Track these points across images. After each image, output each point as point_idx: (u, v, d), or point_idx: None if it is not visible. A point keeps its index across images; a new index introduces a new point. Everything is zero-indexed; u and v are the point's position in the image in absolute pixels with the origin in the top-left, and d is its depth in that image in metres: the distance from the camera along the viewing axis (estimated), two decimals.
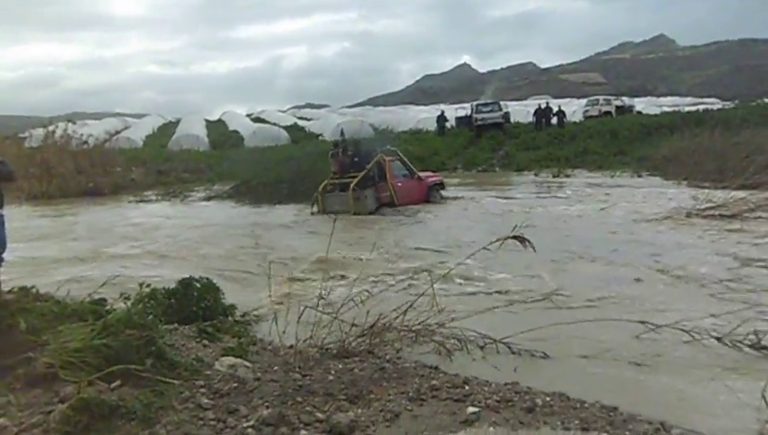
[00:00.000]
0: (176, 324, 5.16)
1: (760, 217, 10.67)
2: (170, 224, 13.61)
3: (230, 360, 4.36)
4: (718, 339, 5.14)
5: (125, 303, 4.52)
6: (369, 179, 14.39)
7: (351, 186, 14.07)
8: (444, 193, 16.28)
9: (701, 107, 36.13)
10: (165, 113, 60.16)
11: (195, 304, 5.64)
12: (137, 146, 34.59)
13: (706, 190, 13.45)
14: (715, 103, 44.79)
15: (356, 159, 14.77)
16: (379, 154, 14.91)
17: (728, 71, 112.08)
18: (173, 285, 5.73)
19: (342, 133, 19.04)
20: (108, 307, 4.67)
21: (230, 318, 5.92)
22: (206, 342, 4.86)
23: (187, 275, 5.95)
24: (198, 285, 5.81)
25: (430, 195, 15.62)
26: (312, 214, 14.31)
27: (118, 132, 40.61)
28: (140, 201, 18.50)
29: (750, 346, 4.98)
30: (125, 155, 26.89)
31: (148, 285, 5.40)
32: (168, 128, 46.00)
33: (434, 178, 16.40)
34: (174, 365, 3.92)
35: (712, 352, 5.03)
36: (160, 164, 25.91)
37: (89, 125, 39.39)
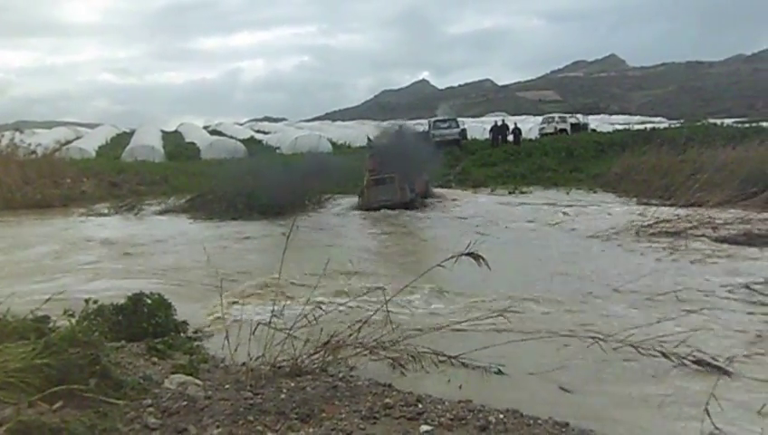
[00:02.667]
0: (123, 342, 5.02)
1: (703, 235, 11.06)
2: (122, 238, 13.27)
3: (180, 377, 4.26)
4: (664, 354, 5.28)
5: (69, 320, 4.36)
6: (404, 175, 17.66)
7: (397, 180, 17.35)
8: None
9: (649, 125, 37.28)
10: (119, 123, 58.65)
11: (145, 320, 5.51)
12: (89, 156, 33.58)
13: (654, 207, 13.86)
14: (662, 122, 46.30)
15: (390, 160, 18.04)
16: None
17: (674, 91, 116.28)
18: (122, 301, 5.59)
19: (370, 140, 24.23)
20: (51, 325, 4.51)
21: (182, 335, 5.80)
22: (155, 359, 4.74)
23: (138, 291, 5.82)
24: (149, 301, 5.68)
25: (428, 187, 19.51)
26: (359, 207, 17.46)
27: (69, 142, 39.42)
28: (91, 214, 17.97)
29: (693, 362, 5.14)
30: (76, 166, 26.01)
31: (95, 302, 5.24)
32: (123, 138, 44.91)
33: (425, 176, 19.85)
34: (120, 384, 3.80)
35: (658, 367, 5.18)
36: (113, 176, 25.14)
37: (38, 134, 38.13)
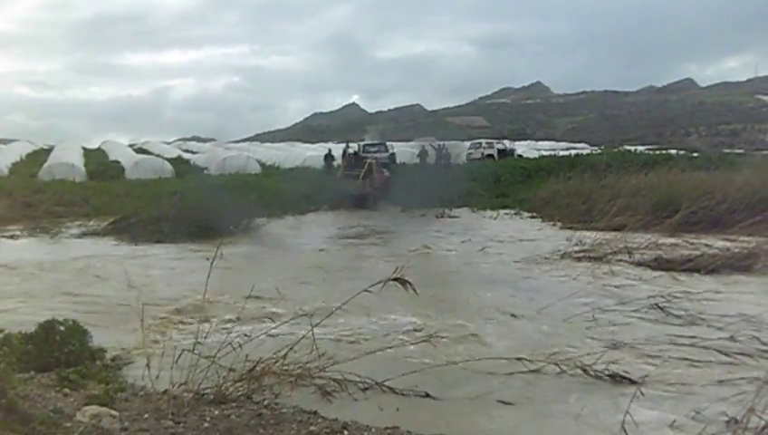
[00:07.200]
0: (32, 373, 4.75)
1: (621, 260, 11.62)
2: (35, 261, 12.59)
3: (94, 409, 4.08)
4: (584, 371, 5.50)
5: None
6: (368, 172, 23.24)
7: (361, 176, 23.20)
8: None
9: (573, 151, 38.75)
10: (36, 139, 56.00)
11: (57, 348, 5.23)
12: (1, 175, 31.91)
13: (577, 232, 14.39)
14: (584, 148, 48.24)
15: (358, 159, 25.55)
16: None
17: (594, 118, 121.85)
18: (32, 329, 5.29)
19: (348, 144, 30.34)
20: None
21: (98, 363, 5.54)
22: (66, 390, 4.51)
23: (51, 318, 5.53)
24: (62, 328, 5.40)
25: (386, 182, 23.62)
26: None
27: None
28: (1, 237, 16.95)
29: (611, 378, 5.37)
30: None
31: (2, 331, 4.95)
32: (40, 155, 42.73)
33: (387, 173, 24.66)
34: (28, 419, 3.60)
35: (579, 384, 5.38)
36: (28, 195, 23.86)
37: None
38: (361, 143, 33.77)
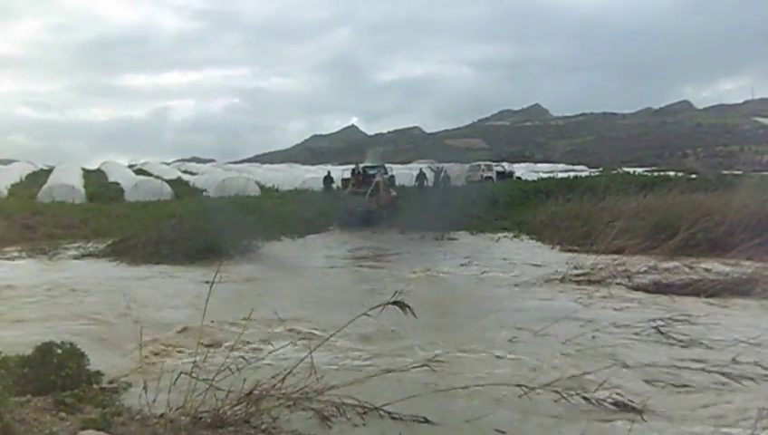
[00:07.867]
0: (29, 396, 4.71)
1: (620, 284, 11.60)
2: (33, 283, 12.54)
3: (90, 433, 4.04)
4: (585, 398, 5.44)
5: None
6: (375, 190, 24.28)
7: (368, 193, 23.98)
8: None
9: (572, 173, 38.88)
10: (37, 160, 56.09)
11: (53, 372, 5.18)
12: (0, 196, 31.91)
13: (577, 254, 14.36)
14: (583, 170, 48.45)
15: (366, 178, 26.50)
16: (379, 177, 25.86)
17: (593, 140, 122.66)
18: (29, 352, 5.26)
19: (357, 164, 30.58)
20: None
21: (95, 386, 5.49)
22: (63, 414, 4.47)
23: (48, 340, 5.50)
24: (59, 351, 5.36)
25: (393, 202, 24.54)
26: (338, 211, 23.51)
27: None
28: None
29: (611, 404, 5.32)
30: None
31: None
32: (40, 176, 42.78)
33: (393, 191, 26.07)
34: None
35: (580, 412, 5.31)
36: (27, 217, 23.83)
37: None
38: (361, 165, 33.81)
